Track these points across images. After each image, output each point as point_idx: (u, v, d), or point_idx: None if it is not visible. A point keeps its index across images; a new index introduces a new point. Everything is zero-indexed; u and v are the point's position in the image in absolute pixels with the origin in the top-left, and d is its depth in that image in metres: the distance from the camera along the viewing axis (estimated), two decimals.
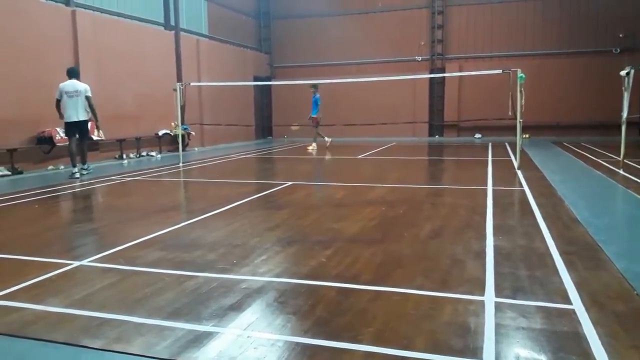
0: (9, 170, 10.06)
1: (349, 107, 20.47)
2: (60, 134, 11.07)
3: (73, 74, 9.91)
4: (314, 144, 15.53)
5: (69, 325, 2.88)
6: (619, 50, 18.31)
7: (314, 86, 15.53)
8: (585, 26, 18.72)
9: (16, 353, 2.61)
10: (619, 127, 9.36)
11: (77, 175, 9.59)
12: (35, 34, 10.97)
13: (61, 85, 9.73)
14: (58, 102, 9.72)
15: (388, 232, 5.02)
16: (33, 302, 3.22)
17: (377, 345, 2.56)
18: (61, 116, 9.79)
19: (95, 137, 11.09)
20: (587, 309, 2.96)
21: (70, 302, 3.23)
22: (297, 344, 2.61)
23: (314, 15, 21.21)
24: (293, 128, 16.69)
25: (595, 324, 2.76)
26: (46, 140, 10.96)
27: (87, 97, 9.76)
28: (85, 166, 10.11)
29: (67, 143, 10.03)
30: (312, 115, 15.57)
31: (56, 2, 11.91)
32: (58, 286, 3.54)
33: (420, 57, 20.39)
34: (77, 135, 9.89)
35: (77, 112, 9.72)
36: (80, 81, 9.90)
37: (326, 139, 15.79)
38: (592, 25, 18.65)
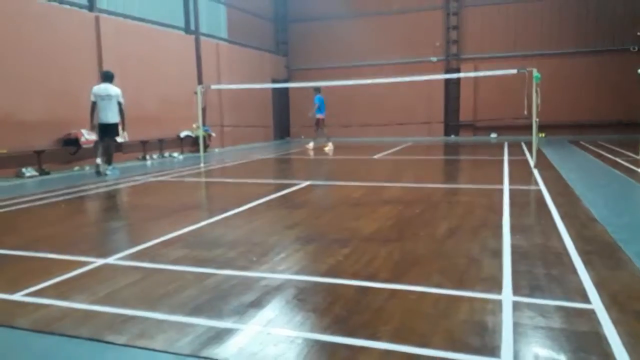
0: (37, 171, 10.31)
1: (365, 108, 20.50)
2: (85, 135, 11.32)
3: (107, 77, 10.21)
4: (329, 144, 15.66)
5: (94, 321, 2.96)
6: (636, 48, 17.97)
7: (316, 89, 15.66)
8: (601, 24, 18.43)
9: (43, 348, 2.69)
10: (637, 125, 9.22)
11: (101, 169, 10.10)
12: (60, 40, 11.23)
13: (95, 88, 10.04)
14: (94, 104, 9.99)
15: (405, 231, 5.03)
16: (59, 298, 3.31)
17: (394, 343, 2.58)
18: (92, 119, 10.05)
19: (119, 140, 11.31)
20: (607, 309, 2.93)
21: (95, 299, 3.31)
22: (317, 341, 2.65)
23: (329, 18, 21.26)
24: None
25: (616, 323, 2.73)
26: (72, 142, 11.20)
27: (118, 102, 10.08)
28: (111, 167, 10.34)
29: (94, 143, 10.40)
30: (317, 116, 15.71)
31: (80, 8, 12.16)
32: (84, 283, 3.63)
33: (436, 58, 20.30)
34: (106, 137, 10.28)
35: (108, 115, 10.06)
36: (113, 85, 10.16)
37: (312, 143, 16.12)
38: (609, 24, 18.35)
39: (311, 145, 16.15)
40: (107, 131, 10.20)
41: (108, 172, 10.17)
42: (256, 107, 19.37)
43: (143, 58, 13.56)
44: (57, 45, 11.15)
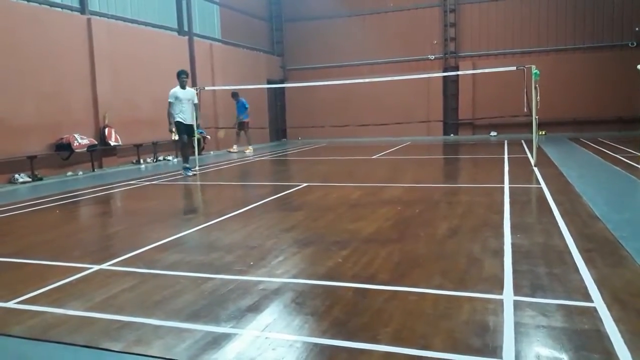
0: (30, 177, 10.24)
1: (363, 107, 20.49)
2: (78, 140, 11.25)
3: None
4: (250, 147, 16.12)
5: (90, 328, 2.92)
6: (635, 43, 18.02)
7: (234, 94, 15.91)
8: (600, 20, 18.47)
9: (39, 356, 2.66)
10: (637, 121, 9.22)
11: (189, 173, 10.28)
12: (52, 43, 11.17)
13: None
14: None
15: (404, 231, 5.00)
16: (54, 305, 3.28)
17: (395, 345, 2.55)
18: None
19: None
20: (608, 307, 2.91)
21: (90, 305, 3.27)
22: (316, 344, 2.62)
23: (325, 17, 21.24)
24: (220, 135, 16.71)
25: (617, 321, 2.71)
26: (65, 147, 11.13)
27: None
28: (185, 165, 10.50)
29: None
30: (245, 120, 16.04)
31: (71, 10, 12.10)
32: (78, 290, 3.59)
33: (433, 56, 20.29)
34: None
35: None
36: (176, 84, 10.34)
37: (234, 147, 16.25)
38: (607, 19, 18.39)
39: (234, 149, 16.27)
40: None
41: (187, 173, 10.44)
42: (252, 109, 19.20)
43: (136, 60, 13.51)
44: (49, 48, 11.08)
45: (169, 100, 10.13)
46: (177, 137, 10.81)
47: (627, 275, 3.46)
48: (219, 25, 18.31)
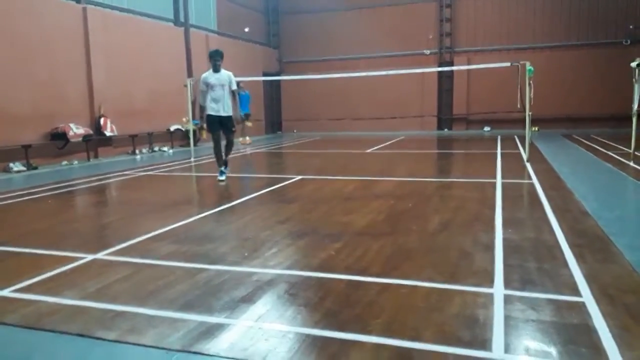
0: (24, 166, 10.20)
1: (358, 101, 20.49)
2: (73, 129, 11.20)
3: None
4: (247, 137, 16.23)
5: (84, 317, 2.94)
6: (629, 41, 18.11)
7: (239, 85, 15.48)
8: (594, 18, 18.53)
9: (32, 344, 2.67)
10: (630, 119, 9.28)
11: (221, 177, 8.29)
12: (47, 32, 11.09)
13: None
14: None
15: (397, 225, 5.03)
16: (48, 294, 3.28)
17: (386, 337, 2.58)
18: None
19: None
20: (597, 302, 2.95)
21: (84, 294, 3.28)
22: (308, 335, 2.65)
23: (322, 10, 21.17)
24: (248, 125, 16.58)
25: (606, 316, 2.75)
26: (60, 136, 11.08)
27: None
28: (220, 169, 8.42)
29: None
30: (247, 112, 15.97)
31: (67, 0, 12.02)
32: (73, 279, 3.60)
33: (429, 51, 20.30)
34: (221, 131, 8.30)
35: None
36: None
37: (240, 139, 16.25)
38: (602, 17, 18.46)
39: (247, 139, 16.37)
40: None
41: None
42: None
43: (131, 50, 13.43)
44: (45, 38, 11.00)
45: (200, 88, 8.20)
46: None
47: (616, 270, 3.51)
48: (215, 17, 18.22)
